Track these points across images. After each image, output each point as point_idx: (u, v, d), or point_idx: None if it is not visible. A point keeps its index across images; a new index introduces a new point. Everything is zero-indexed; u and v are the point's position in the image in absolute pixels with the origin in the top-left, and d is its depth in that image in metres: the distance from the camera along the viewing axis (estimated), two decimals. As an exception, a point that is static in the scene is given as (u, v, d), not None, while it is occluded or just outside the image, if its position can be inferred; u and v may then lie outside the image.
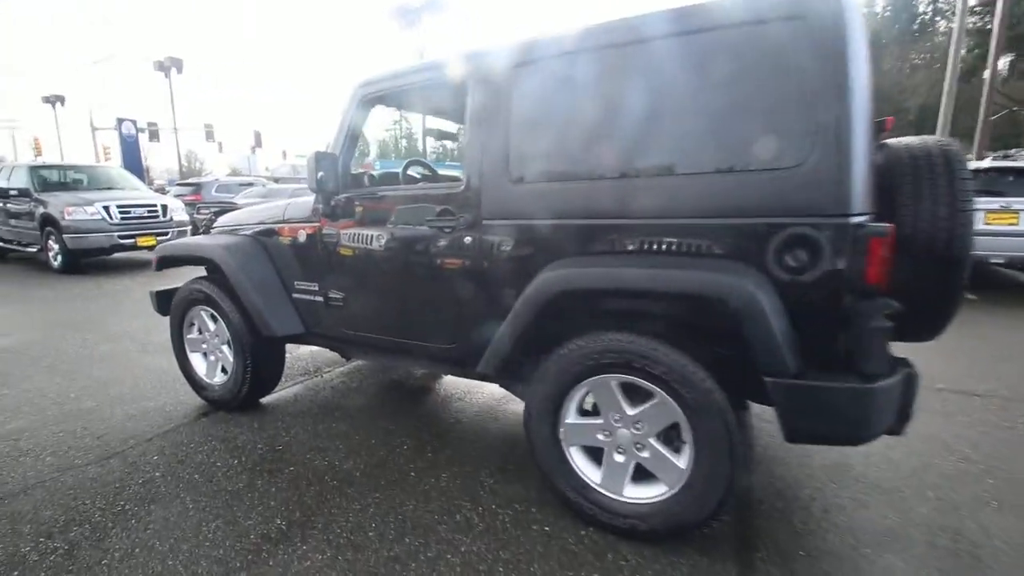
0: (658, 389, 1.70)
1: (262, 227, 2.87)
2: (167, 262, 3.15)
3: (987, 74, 10.18)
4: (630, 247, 1.75)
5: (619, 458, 1.85)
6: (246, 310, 2.74)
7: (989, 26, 17.02)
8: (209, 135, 29.24)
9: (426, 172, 3.08)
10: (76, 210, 8.11)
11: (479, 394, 3.24)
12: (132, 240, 8.47)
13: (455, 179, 3.42)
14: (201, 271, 3.16)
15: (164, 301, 3.17)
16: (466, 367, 2.26)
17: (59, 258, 8.30)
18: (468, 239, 2.07)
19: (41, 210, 8.41)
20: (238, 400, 2.91)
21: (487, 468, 2.37)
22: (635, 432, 1.80)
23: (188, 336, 3.13)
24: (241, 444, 2.60)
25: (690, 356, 1.65)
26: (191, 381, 3.13)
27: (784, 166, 1.53)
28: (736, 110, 1.59)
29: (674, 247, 1.69)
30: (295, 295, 2.76)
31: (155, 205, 8.88)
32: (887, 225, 1.49)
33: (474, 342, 2.15)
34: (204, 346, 3.10)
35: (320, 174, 2.33)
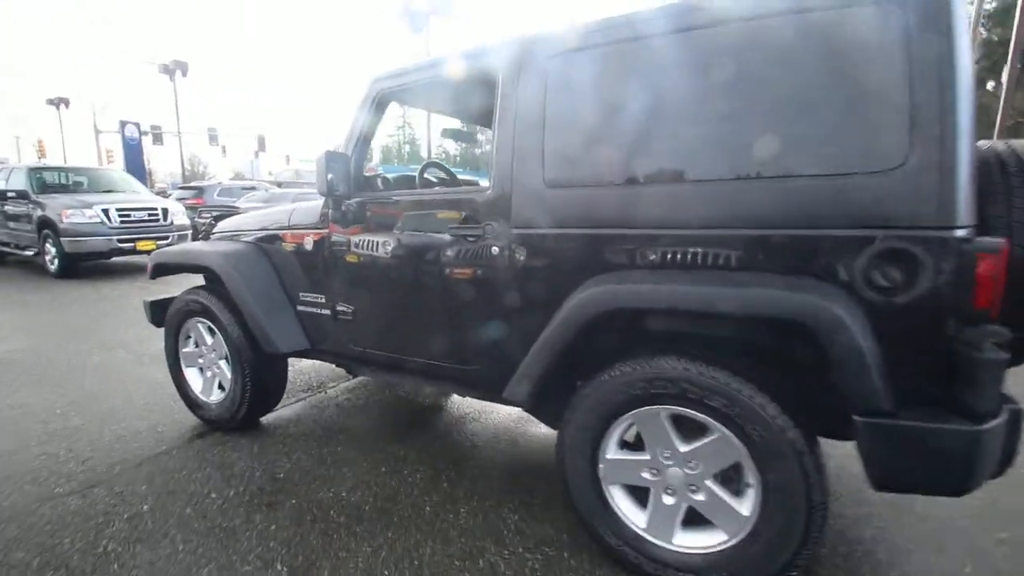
0: (717, 424, 1.48)
1: (265, 233, 2.66)
2: (162, 269, 2.93)
3: (1005, 77, 10.00)
4: (688, 261, 1.53)
5: (668, 500, 1.63)
6: (246, 323, 2.52)
7: (995, 37, 16.90)
8: (213, 139, 29.16)
9: (444, 176, 2.87)
10: (74, 213, 7.92)
11: (495, 413, 3.01)
12: (131, 244, 8.28)
13: (473, 183, 3.23)
14: (199, 279, 2.95)
15: (159, 312, 2.95)
16: (490, 391, 2.03)
17: (56, 262, 8.11)
18: (495, 249, 1.85)
19: (39, 212, 8.23)
20: (236, 420, 2.69)
21: (510, 502, 2.14)
22: (688, 472, 1.58)
23: (184, 350, 2.91)
24: (238, 472, 2.37)
25: (758, 387, 1.42)
26: (186, 398, 2.91)
27: (876, 169, 1.31)
28: (820, 104, 1.37)
29: (742, 262, 1.47)
30: (300, 307, 2.54)
31: (155, 209, 8.69)
32: (999, 240, 1.27)
33: (500, 364, 1.93)
34: (201, 361, 2.88)
35: (330, 176, 2.12)
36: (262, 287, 2.53)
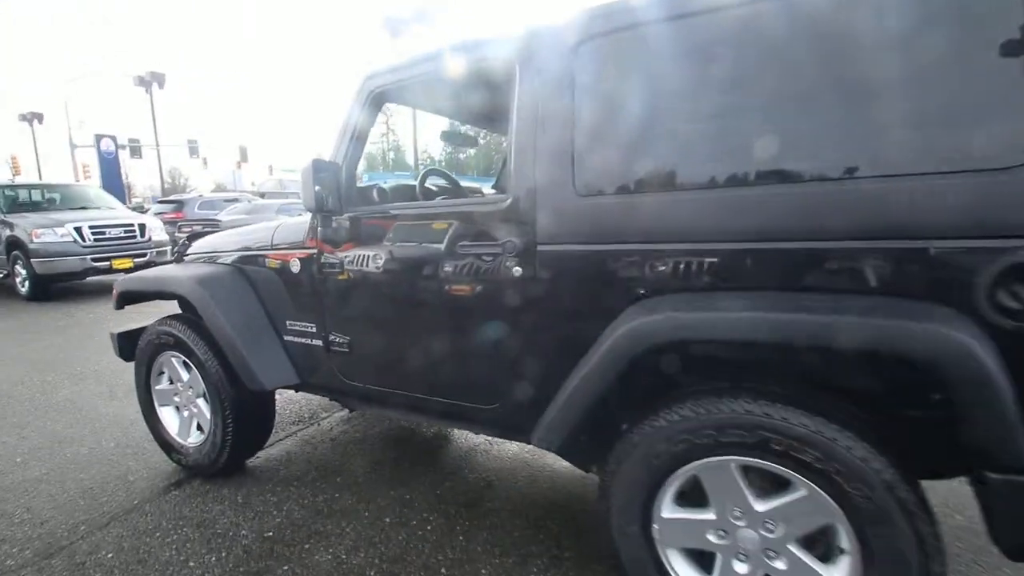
0: (806, 480, 1.21)
1: (246, 254, 2.35)
2: (129, 298, 2.61)
3: None
4: (760, 281, 1.27)
5: (741, 568, 1.35)
6: (225, 357, 2.21)
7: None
8: (193, 151, 28.54)
9: (447, 184, 2.58)
10: (45, 232, 7.51)
11: (508, 444, 2.72)
12: (107, 263, 7.87)
13: (476, 191, 2.95)
14: (174, 306, 2.63)
15: (127, 345, 2.63)
16: (514, 432, 1.76)
17: (27, 284, 7.68)
18: (517, 270, 1.58)
19: (7, 232, 7.80)
20: (217, 466, 2.37)
21: (538, 559, 1.85)
22: (766, 535, 1.30)
23: (157, 387, 2.59)
24: (221, 530, 2.06)
25: (857, 435, 1.16)
26: (160, 441, 2.59)
27: (1005, 165, 1.06)
28: (932, 83, 1.11)
29: (830, 282, 1.20)
30: (287, 338, 2.24)
31: (132, 225, 8.30)
32: None
33: (525, 402, 1.65)
34: (176, 399, 2.56)
35: (318, 188, 1.83)
36: (243, 316, 2.22)
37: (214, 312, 2.18)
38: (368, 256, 1.91)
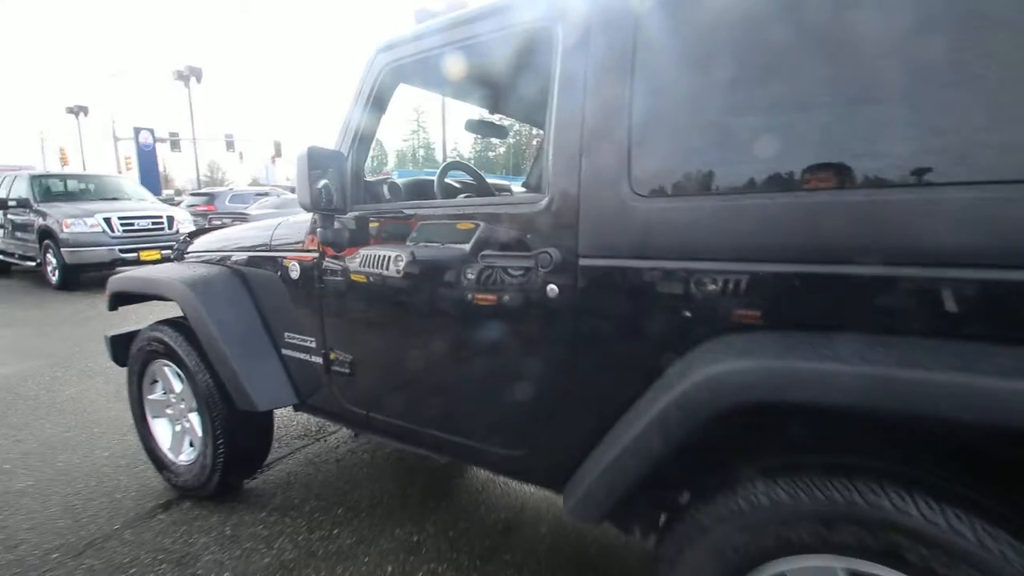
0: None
1: (244, 255, 2.09)
2: (121, 299, 2.39)
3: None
4: (910, 321, 0.90)
5: None
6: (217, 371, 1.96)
7: None
8: (230, 145, 29.06)
9: (471, 181, 2.27)
10: (75, 222, 7.54)
11: (532, 477, 2.40)
12: (135, 254, 7.87)
13: (504, 189, 2.63)
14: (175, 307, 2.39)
15: (120, 349, 2.41)
16: (544, 483, 1.44)
17: (57, 273, 7.73)
18: (552, 289, 1.26)
19: (40, 222, 7.87)
20: (208, 488, 2.13)
21: (566, 635, 1.53)
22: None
23: (149, 396, 2.37)
24: (202, 570, 1.80)
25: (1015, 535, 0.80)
26: (151, 455, 2.36)
27: None
28: None
29: (998, 321, 0.84)
30: (285, 352, 1.97)
31: (160, 216, 8.29)
32: None
33: (559, 451, 1.33)
34: (169, 411, 2.32)
35: (322, 183, 1.54)
36: (236, 325, 1.96)
37: (203, 319, 1.92)
38: (375, 263, 1.61)
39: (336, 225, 1.65)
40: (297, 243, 1.85)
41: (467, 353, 1.47)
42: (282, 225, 1.98)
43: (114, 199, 8.81)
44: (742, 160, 1.04)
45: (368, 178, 1.78)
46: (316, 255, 1.77)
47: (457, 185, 2.19)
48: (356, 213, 1.66)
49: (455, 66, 1.60)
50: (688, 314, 1.09)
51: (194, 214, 12.10)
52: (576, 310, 1.24)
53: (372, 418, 1.76)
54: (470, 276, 1.39)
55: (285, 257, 1.89)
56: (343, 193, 1.60)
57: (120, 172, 24.71)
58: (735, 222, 1.03)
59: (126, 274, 2.35)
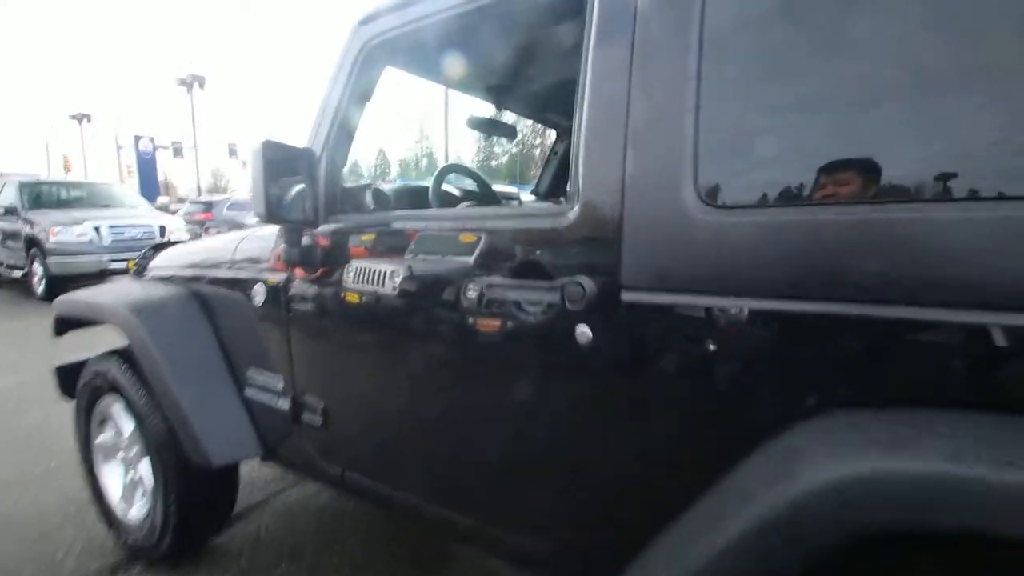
0: None
1: (205, 273, 1.77)
2: (67, 323, 2.07)
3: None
4: None
5: None
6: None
7: None
8: (232, 152, 28.95)
9: (474, 188, 1.92)
10: (63, 230, 7.26)
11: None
12: (124, 264, 7.57)
13: (512, 198, 2.30)
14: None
15: (68, 381, 2.09)
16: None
17: (42, 283, 7.43)
18: (585, 331, 0.92)
19: (27, 230, 7.60)
20: (158, 552, 1.79)
21: None
22: None
23: (98, 438, 2.03)
24: (139, 667, 1.46)
25: None
26: (101, 507, 2.02)
27: None
28: None
29: None
30: (248, 392, 1.64)
31: (151, 225, 8.01)
32: None
33: (590, 547, 0.99)
34: (121, 455, 1.99)
35: (292, 192, 1.22)
36: (191, 358, 1.63)
37: (150, 351, 1.59)
38: (356, 288, 1.28)
39: (306, 241, 1.32)
40: (262, 261, 1.52)
41: (466, 407, 1.13)
42: (247, 239, 1.65)
43: (106, 207, 8.54)
44: (881, 155, 0.71)
45: (347, 184, 1.45)
46: (283, 277, 1.45)
47: (457, 193, 1.86)
48: (332, 226, 1.33)
49: (454, 44, 1.27)
50: (789, 376, 0.75)
51: (192, 222, 11.87)
52: (616, 362, 0.90)
53: (349, 478, 1.42)
54: (470, 308, 1.06)
55: (248, 278, 1.56)
56: (315, 201, 1.28)
57: (122, 179, 24.58)
58: (869, 246, 0.69)
59: (69, 295, 2.03)
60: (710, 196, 0.81)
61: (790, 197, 0.76)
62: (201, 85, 23.40)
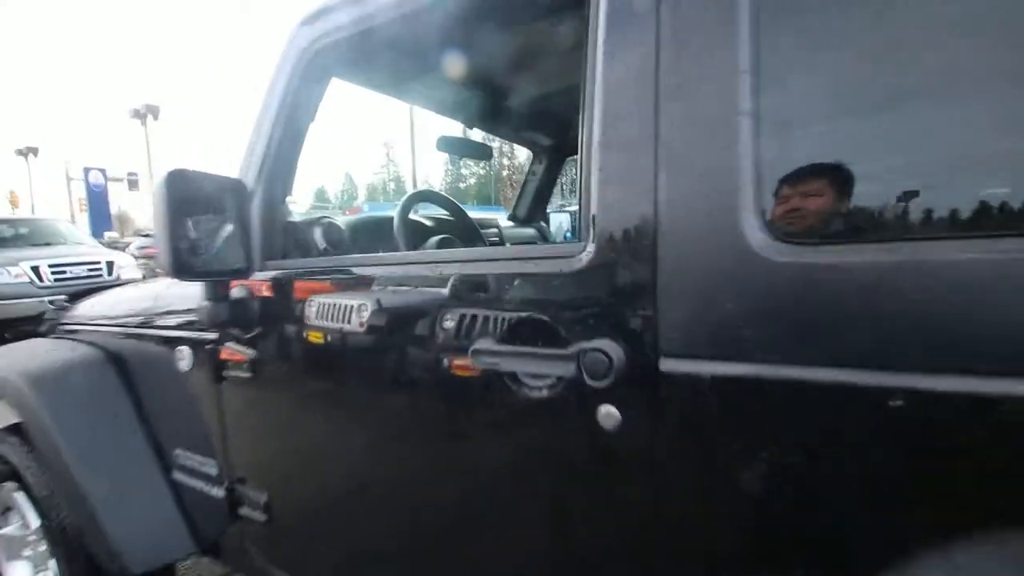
0: None
1: (121, 331, 1.46)
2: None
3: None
4: None
5: None
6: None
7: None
8: (190, 183, 27.96)
9: (448, 216, 1.64)
10: (-4, 273, 6.69)
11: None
12: (67, 305, 7.02)
13: (489, 227, 2.05)
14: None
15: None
16: None
17: (-27, 332, 6.80)
18: (611, 413, 0.68)
19: (-44, 273, 6.97)
20: None
21: None
22: None
23: (2, 530, 1.67)
24: None
25: None
26: (2, 618, 1.66)
27: None
28: None
29: None
30: (176, 474, 1.33)
31: (98, 262, 7.49)
32: None
33: None
34: (28, 552, 1.63)
35: (218, 235, 0.96)
36: (102, 439, 1.32)
37: (47, 433, 1.28)
38: (302, 353, 1.01)
39: (236, 294, 1.04)
40: (187, 317, 1.23)
41: (442, 512, 0.87)
42: (171, 288, 1.36)
43: (46, 244, 7.97)
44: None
45: (291, 218, 1.18)
46: (214, 336, 1.16)
47: (428, 223, 1.60)
48: (271, 273, 1.06)
49: (414, 48, 1.04)
50: (930, 490, 0.52)
51: (145, 256, 11.28)
52: (654, 456, 0.66)
53: (305, 587, 1.13)
54: (453, 375, 0.81)
55: (172, 337, 1.27)
56: (247, 244, 1.01)
57: (73, 214, 23.42)
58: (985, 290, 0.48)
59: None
60: (780, 228, 0.58)
61: (904, 228, 0.54)
62: (155, 116, 22.64)
